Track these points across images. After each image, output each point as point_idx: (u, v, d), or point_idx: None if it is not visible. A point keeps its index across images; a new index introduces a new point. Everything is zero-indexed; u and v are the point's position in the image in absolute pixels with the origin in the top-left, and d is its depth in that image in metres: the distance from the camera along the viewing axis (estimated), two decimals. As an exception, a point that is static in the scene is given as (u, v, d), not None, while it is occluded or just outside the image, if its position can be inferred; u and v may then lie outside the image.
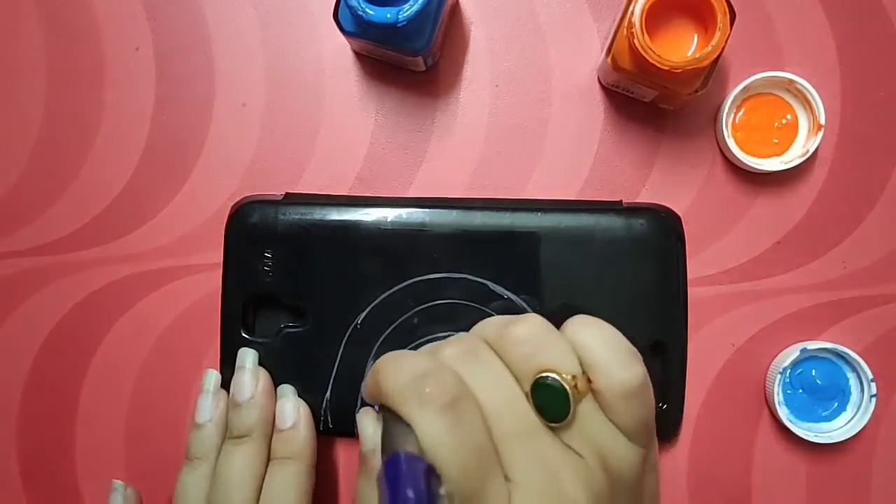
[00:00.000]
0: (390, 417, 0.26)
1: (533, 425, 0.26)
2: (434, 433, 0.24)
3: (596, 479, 0.26)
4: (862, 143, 0.40)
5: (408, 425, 0.25)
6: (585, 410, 0.26)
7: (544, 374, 0.26)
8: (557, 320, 0.37)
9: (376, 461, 0.27)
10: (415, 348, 0.38)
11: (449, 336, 0.37)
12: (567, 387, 0.26)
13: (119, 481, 0.39)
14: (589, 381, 0.26)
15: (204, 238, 0.41)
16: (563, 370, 0.26)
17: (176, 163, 0.41)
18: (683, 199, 0.40)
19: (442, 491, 0.23)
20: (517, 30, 0.41)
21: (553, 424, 0.26)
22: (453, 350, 0.27)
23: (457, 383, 0.25)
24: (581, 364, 0.27)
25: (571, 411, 0.26)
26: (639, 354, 0.27)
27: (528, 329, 0.27)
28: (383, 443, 0.26)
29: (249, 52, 0.41)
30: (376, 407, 0.29)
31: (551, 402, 0.26)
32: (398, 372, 0.26)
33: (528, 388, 0.26)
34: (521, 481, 0.25)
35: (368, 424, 0.28)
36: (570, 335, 0.28)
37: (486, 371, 0.27)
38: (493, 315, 0.38)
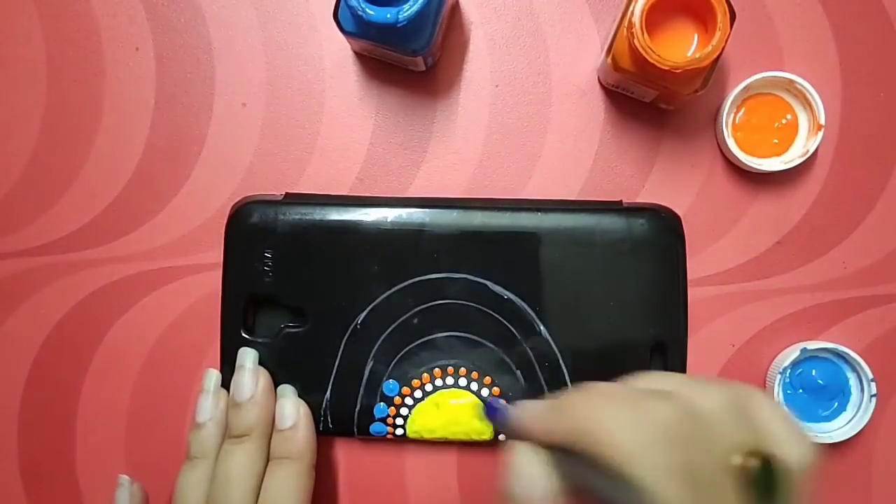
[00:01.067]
0: (593, 470, 0.24)
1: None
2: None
3: None
4: (862, 143, 0.40)
5: (631, 485, 0.23)
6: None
7: (751, 455, 0.24)
8: (558, 321, 0.38)
9: None
10: (415, 348, 0.38)
11: (449, 336, 0.38)
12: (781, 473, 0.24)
13: (125, 476, 0.39)
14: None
15: (204, 238, 0.41)
16: (759, 447, 0.25)
17: (176, 163, 0.41)
18: (683, 199, 0.40)
19: None
20: (517, 30, 0.41)
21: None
22: (668, 414, 0.25)
23: (691, 456, 0.24)
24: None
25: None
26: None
27: (726, 400, 0.26)
28: (596, 496, 0.24)
29: (249, 52, 0.41)
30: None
31: (771, 481, 0.24)
32: (632, 428, 0.24)
33: (724, 463, 0.24)
34: None
35: (536, 466, 0.25)
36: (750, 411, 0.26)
37: (699, 442, 0.25)
38: (492, 315, 0.38)
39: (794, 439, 0.26)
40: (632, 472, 0.23)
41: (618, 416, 0.24)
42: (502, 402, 0.30)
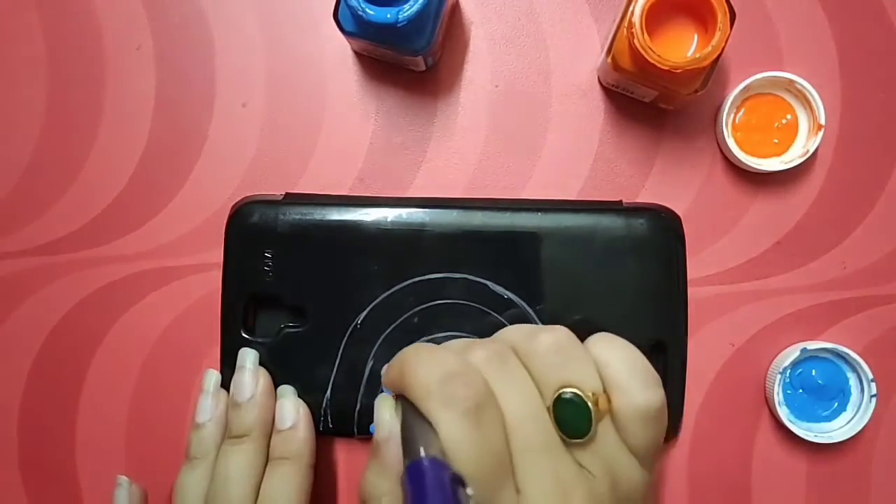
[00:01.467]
0: (411, 411, 0.26)
1: (551, 440, 0.26)
2: (457, 436, 0.24)
3: (605, 501, 0.26)
4: (862, 143, 0.40)
5: (429, 423, 0.25)
6: (602, 430, 0.26)
7: (567, 390, 0.26)
8: (558, 321, 0.38)
9: (390, 452, 0.27)
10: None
11: (448, 336, 0.38)
12: (590, 404, 0.26)
13: (124, 477, 0.39)
14: (609, 400, 0.26)
15: (204, 238, 0.41)
16: (586, 387, 0.26)
17: (176, 163, 0.41)
18: (683, 199, 0.40)
19: (469, 492, 0.23)
20: (517, 30, 0.41)
21: (571, 441, 0.26)
22: (482, 353, 0.27)
23: (484, 388, 0.25)
24: (603, 383, 0.27)
25: (593, 429, 0.26)
26: (659, 379, 0.27)
27: (555, 341, 0.27)
28: (404, 438, 0.26)
29: (249, 52, 0.41)
30: (386, 390, 0.28)
31: (573, 419, 0.26)
32: (427, 367, 0.26)
33: (549, 402, 0.26)
34: (532, 495, 0.25)
35: (386, 412, 0.28)
36: (594, 352, 0.27)
37: (512, 379, 0.26)
38: (492, 315, 0.38)
39: (634, 381, 0.26)
40: (423, 407, 0.25)
41: (423, 357, 0.26)
42: None
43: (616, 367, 0.27)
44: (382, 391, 0.30)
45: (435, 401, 0.25)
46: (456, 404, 0.24)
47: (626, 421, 0.26)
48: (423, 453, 0.24)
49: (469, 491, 0.23)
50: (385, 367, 0.30)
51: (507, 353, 0.27)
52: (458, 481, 0.23)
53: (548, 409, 0.26)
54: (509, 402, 0.26)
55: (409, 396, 0.26)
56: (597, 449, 0.26)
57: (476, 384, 0.25)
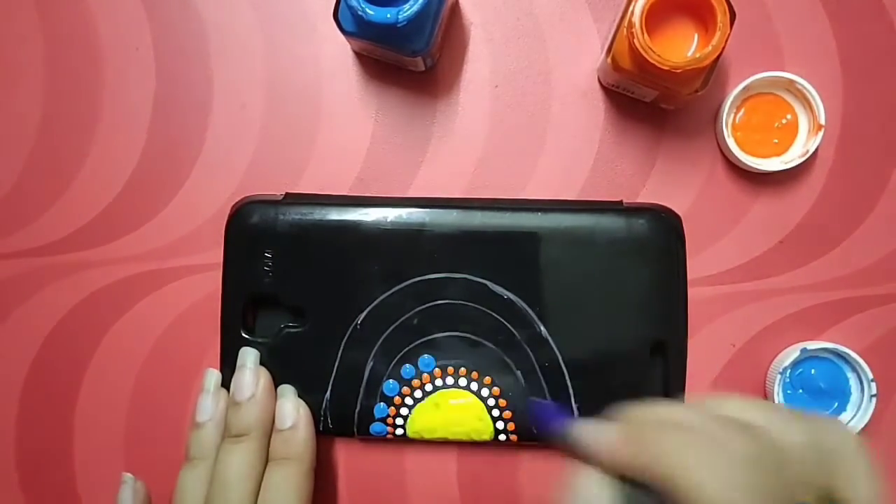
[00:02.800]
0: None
1: None
2: None
3: None
4: (862, 143, 0.40)
5: None
6: None
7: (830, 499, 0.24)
8: (558, 321, 0.38)
9: None
10: (415, 348, 0.38)
11: (448, 337, 0.38)
12: None
13: (129, 474, 0.38)
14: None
15: (204, 238, 0.41)
16: (835, 492, 0.24)
17: (176, 163, 0.41)
18: (683, 199, 0.40)
19: None
20: (517, 30, 0.41)
21: None
22: (755, 454, 0.24)
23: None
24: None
25: None
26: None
27: (810, 437, 0.25)
28: None
29: (249, 53, 0.41)
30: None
31: None
32: (722, 478, 0.23)
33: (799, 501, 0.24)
34: None
35: (602, 496, 0.24)
36: (825, 442, 0.25)
37: (783, 489, 0.24)
38: (492, 315, 0.38)
39: (869, 484, 0.25)
40: None
41: (702, 457, 0.23)
42: (552, 404, 0.29)
43: (849, 460, 0.25)
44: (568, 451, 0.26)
45: None
46: None
47: None
48: None
49: None
50: (588, 430, 0.26)
51: (780, 459, 0.24)
52: None
53: None
54: None
55: (682, 499, 0.23)
56: None
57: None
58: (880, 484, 0.25)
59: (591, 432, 0.26)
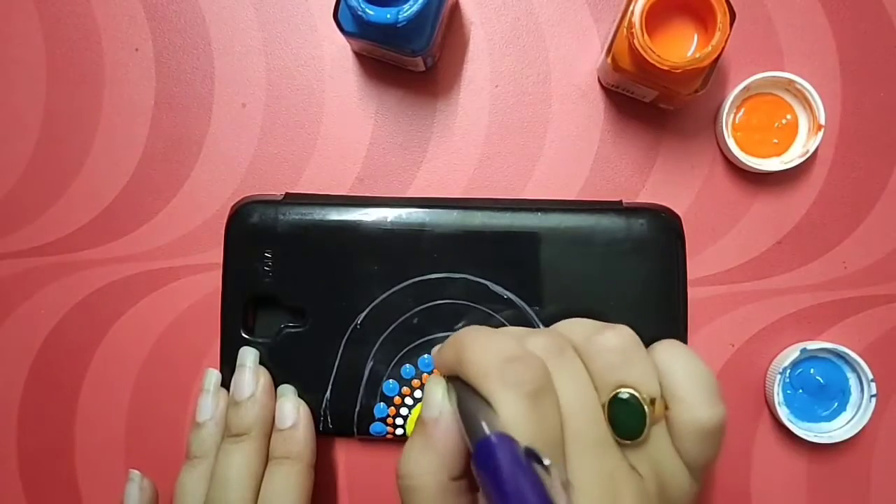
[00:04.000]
0: (468, 392, 0.26)
1: (604, 436, 0.26)
2: (518, 417, 0.24)
3: (653, 503, 0.26)
4: (862, 143, 0.40)
5: (488, 404, 0.24)
6: (656, 435, 0.26)
7: (624, 390, 0.26)
8: (558, 321, 0.38)
9: (439, 431, 0.27)
10: (415, 348, 0.38)
11: (449, 336, 0.38)
12: (646, 407, 0.26)
13: (136, 471, 0.38)
14: (666, 407, 0.26)
15: (204, 238, 0.41)
16: (643, 390, 0.26)
17: (176, 163, 0.41)
18: (683, 199, 0.40)
19: (547, 462, 0.22)
20: (517, 30, 0.41)
21: (623, 441, 0.26)
22: (541, 342, 0.27)
23: (544, 374, 0.25)
24: (661, 388, 0.27)
25: (645, 432, 0.26)
26: (722, 395, 0.27)
27: (618, 341, 0.27)
28: (463, 418, 0.26)
29: (249, 52, 0.41)
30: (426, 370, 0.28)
31: (626, 419, 0.26)
32: (487, 349, 0.26)
33: (605, 399, 0.26)
34: (583, 489, 0.24)
35: (437, 392, 0.28)
36: (657, 358, 0.27)
37: (570, 372, 0.26)
38: (492, 315, 0.38)
39: (697, 394, 0.26)
40: (482, 388, 0.25)
41: (482, 340, 0.26)
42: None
43: (680, 376, 0.27)
44: (431, 372, 0.30)
45: (496, 381, 0.25)
46: (517, 386, 0.24)
47: (683, 431, 0.26)
48: (487, 430, 0.23)
49: (546, 461, 0.22)
50: (436, 349, 0.30)
51: (565, 345, 0.27)
52: (532, 455, 0.23)
53: (602, 406, 0.26)
54: (565, 393, 0.26)
55: (466, 377, 0.26)
56: (649, 453, 0.26)
57: (537, 368, 0.25)
58: (707, 390, 0.27)
59: (435, 348, 0.31)
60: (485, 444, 0.23)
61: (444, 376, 0.28)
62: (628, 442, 0.26)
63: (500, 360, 0.25)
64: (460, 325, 0.38)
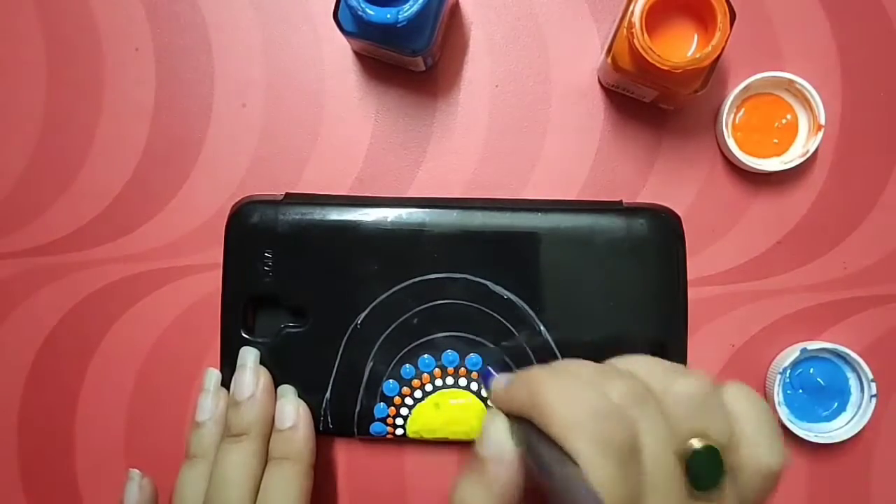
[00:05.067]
0: (540, 440, 0.25)
1: (679, 490, 0.25)
2: (606, 479, 0.23)
3: None
4: (862, 143, 0.40)
5: (568, 457, 0.24)
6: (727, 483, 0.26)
7: (698, 441, 0.25)
8: (558, 321, 0.38)
9: (499, 473, 0.26)
10: (415, 348, 0.38)
11: (448, 337, 0.38)
12: (724, 460, 0.25)
13: (135, 470, 0.38)
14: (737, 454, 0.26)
15: (204, 238, 0.41)
16: (721, 440, 0.25)
17: (176, 163, 0.41)
18: (683, 199, 0.40)
19: None
20: (517, 30, 0.41)
21: (697, 493, 0.25)
22: (622, 389, 0.26)
23: (633, 433, 0.24)
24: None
25: (722, 484, 0.25)
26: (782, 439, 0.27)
27: (697, 389, 0.26)
28: (539, 465, 0.25)
29: (249, 53, 0.41)
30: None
31: (706, 472, 0.25)
32: (573, 401, 0.25)
33: (678, 447, 0.25)
34: None
35: (500, 430, 0.27)
36: (726, 401, 0.27)
37: (651, 424, 0.25)
38: (492, 315, 0.38)
39: (764, 440, 0.26)
40: (570, 445, 0.24)
41: (564, 389, 0.25)
42: (492, 371, 0.32)
43: (750, 421, 0.26)
44: (488, 404, 0.29)
45: (584, 440, 0.24)
46: (608, 445, 0.24)
47: (748, 476, 0.26)
48: (584, 490, 0.23)
49: None
50: (497, 382, 0.29)
51: (646, 395, 0.26)
52: None
53: (679, 455, 0.25)
54: (647, 445, 0.25)
55: (547, 427, 0.25)
56: (718, 499, 0.25)
57: (627, 428, 0.24)
58: (775, 437, 0.26)
59: (495, 382, 0.29)
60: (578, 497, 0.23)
61: (505, 413, 0.27)
62: (703, 494, 0.25)
63: (587, 415, 0.24)
64: (460, 325, 0.38)
